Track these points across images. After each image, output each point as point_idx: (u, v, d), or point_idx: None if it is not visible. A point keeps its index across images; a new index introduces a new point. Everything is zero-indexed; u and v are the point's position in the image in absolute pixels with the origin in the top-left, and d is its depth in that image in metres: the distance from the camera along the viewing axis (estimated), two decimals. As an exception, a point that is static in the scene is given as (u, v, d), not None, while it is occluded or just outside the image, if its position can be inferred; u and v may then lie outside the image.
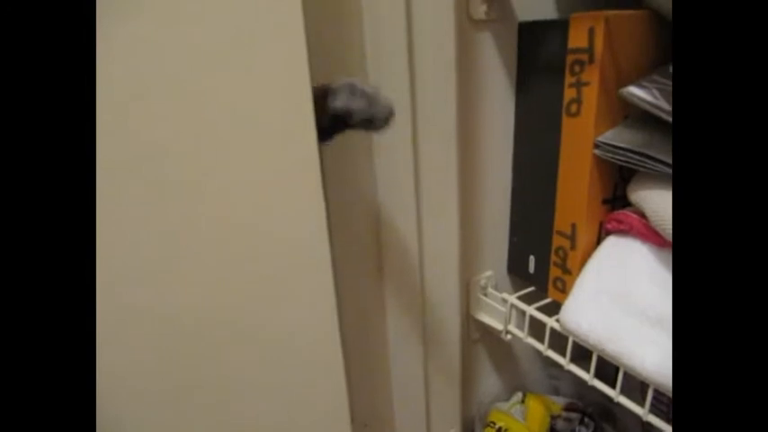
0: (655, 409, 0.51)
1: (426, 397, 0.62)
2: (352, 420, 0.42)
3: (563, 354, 0.56)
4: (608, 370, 0.52)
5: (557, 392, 0.77)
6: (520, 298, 0.62)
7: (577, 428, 0.70)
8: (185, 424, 0.34)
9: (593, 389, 0.72)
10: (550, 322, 0.57)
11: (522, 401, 0.73)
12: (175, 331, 0.32)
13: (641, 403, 0.49)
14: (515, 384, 0.76)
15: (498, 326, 0.64)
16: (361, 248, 0.55)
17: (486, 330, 0.70)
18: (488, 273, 0.67)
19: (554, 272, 0.59)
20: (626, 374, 0.49)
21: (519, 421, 0.69)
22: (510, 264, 0.68)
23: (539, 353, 0.62)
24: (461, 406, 0.65)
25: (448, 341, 0.61)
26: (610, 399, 0.64)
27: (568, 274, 0.57)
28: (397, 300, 0.58)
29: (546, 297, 0.62)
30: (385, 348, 0.59)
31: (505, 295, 0.64)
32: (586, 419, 0.71)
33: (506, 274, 0.69)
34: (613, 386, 0.51)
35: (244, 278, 0.34)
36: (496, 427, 0.66)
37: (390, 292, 0.58)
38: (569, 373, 0.56)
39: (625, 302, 0.49)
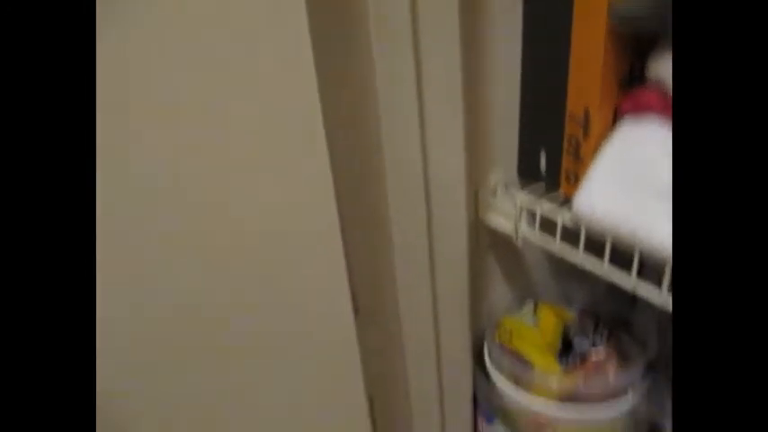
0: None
1: (434, 306, 0.60)
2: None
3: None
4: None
5: (569, 303, 0.76)
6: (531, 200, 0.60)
7: (591, 336, 0.68)
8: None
9: (608, 298, 0.70)
10: (562, 214, 0.55)
11: (535, 312, 0.72)
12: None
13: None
14: (527, 294, 0.75)
15: (509, 228, 0.62)
16: (362, 151, 0.53)
17: (496, 236, 0.68)
18: (498, 176, 0.64)
19: (566, 163, 0.56)
20: (641, 265, 0.46)
21: (531, 326, 0.68)
22: (520, 165, 0.65)
23: (551, 259, 0.60)
24: (471, 316, 0.64)
25: (456, 247, 0.59)
26: (625, 306, 0.62)
27: (581, 165, 0.54)
28: (401, 205, 0.56)
29: (558, 197, 0.59)
30: (390, 259, 0.58)
31: (516, 194, 0.61)
32: (601, 327, 0.69)
33: (516, 177, 0.66)
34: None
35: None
36: (507, 331, 0.65)
37: (394, 198, 0.55)
38: (583, 282, 0.54)
39: (642, 183, 0.47)
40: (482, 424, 0.68)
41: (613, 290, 0.51)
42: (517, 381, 0.62)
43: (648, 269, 0.47)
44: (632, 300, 0.62)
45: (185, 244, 0.40)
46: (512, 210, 0.62)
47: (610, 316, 0.70)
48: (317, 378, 0.52)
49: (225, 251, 0.43)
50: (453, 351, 0.63)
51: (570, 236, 0.54)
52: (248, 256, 0.44)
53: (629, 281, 0.49)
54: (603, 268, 0.51)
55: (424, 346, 0.60)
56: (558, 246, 0.56)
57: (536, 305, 0.72)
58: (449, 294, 0.60)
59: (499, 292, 0.73)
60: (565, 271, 0.76)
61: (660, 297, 0.46)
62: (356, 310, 0.50)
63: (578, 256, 0.53)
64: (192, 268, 0.41)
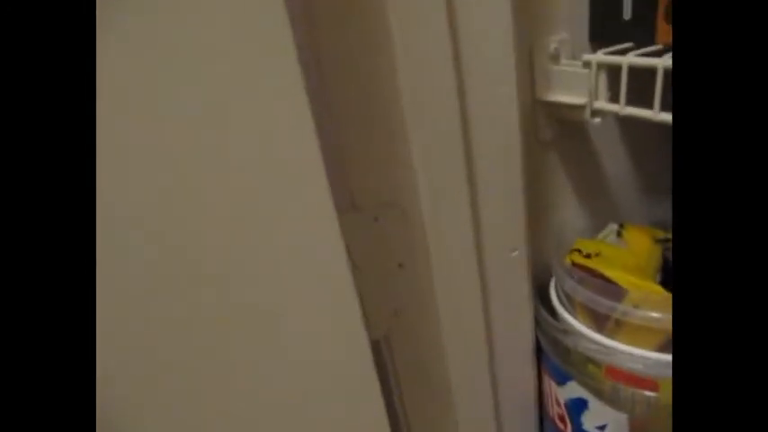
0: None
1: (474, 221, 0.42)
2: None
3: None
4: None
5: (665, 228, 0.55)
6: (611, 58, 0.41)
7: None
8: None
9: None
10: (661, 63, 0.36)
11: (619, 234, 0.52)
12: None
13: None
14: (607, 214, 0.55)
15: (580, 100, 0.43)
16: None
17: (563, 127, 0.49)
18: (561, 35, 0.46)
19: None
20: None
21: (617, 246, 0.48)
22: (593, 21, 0.46)
23: (637, 169, 0.41)
24: (527, 237, 0.45)
25: (504, 141, 0.41)
26: None
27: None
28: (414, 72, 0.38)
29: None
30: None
31: (588, 56, 0.42)
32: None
33: (587, 41, 0.47)
34: None
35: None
36: (584, 253, 0.46)
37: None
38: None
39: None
40: (550, 387, 0.49)
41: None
42: (602, 320, 0.43)
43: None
44: None
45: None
46: (583, 79, 0.43)
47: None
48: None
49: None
50: (503, 282, 0.45)
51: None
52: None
53: None
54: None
55: (461, 276, 0.42)
56: (658, 116, 0.37)
57: (621, 227, 0.53)
58: (494, 205, 0.42)
59: (567, 207, 0.54)
60: (658, 172, 0.56)
61: None
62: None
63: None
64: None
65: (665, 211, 0.56)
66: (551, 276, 0.50)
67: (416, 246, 0.39)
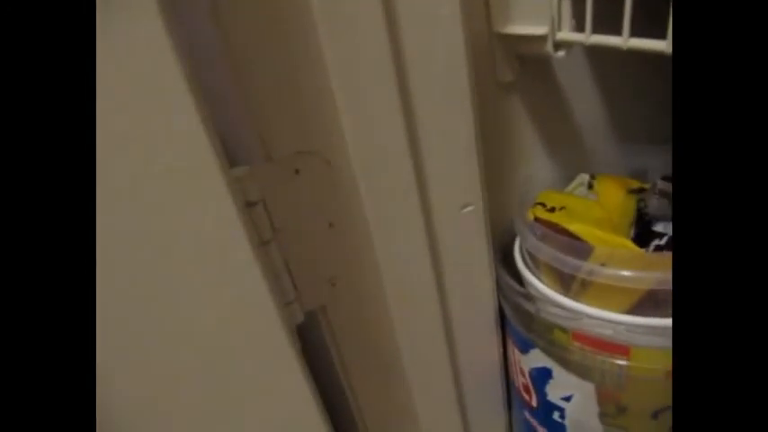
0: None
1: (417, 173, 0.36)
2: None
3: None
4: None
5: (644, 178, 0.50)
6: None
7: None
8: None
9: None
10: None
11: (590, 186, 0.47)
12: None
13: None
14: (575, 164, 0.50)
15: (541, 30, 0.37)
16: None
17: (525, 65, 0.43)
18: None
19: None
20: None
21: (585, 198, 0.43)
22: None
23: (610, 113, 0.36)
24: (484, 192, 0.40)
25: (449, 77, 0.34)
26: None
27: None
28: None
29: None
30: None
31: (550, -23, 0.36)
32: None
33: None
34: None
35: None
36: (548, 206, 0.41)
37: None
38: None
39: None
40: (515, 355, 0.45)
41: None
42: (567, 281, 0.38)
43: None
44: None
45: None
46: (544, 6, 0.37)
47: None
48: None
49: None
50: (457, 242, 0.40)
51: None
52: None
53: None
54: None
55: (407, 231, 0.37)
56: (628, 41, 0.32)
57: (592, 177, 0.47)
58: (441, 155, 0.36)
59: (532, 157, 0.48)
60: (634, 117, 0.51)
61: None
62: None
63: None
64: None
65: (642, 161, 0.51)
66: (516, 237, 0.45)
67: (348, 202, 0.34)
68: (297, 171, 0.32)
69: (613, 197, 0.44)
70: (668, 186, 0.43)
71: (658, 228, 0.42)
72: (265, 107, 0.30)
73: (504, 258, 0.45)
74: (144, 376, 0.28)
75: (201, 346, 0.29)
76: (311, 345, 0.39)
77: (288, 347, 0.31)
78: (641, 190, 0.44)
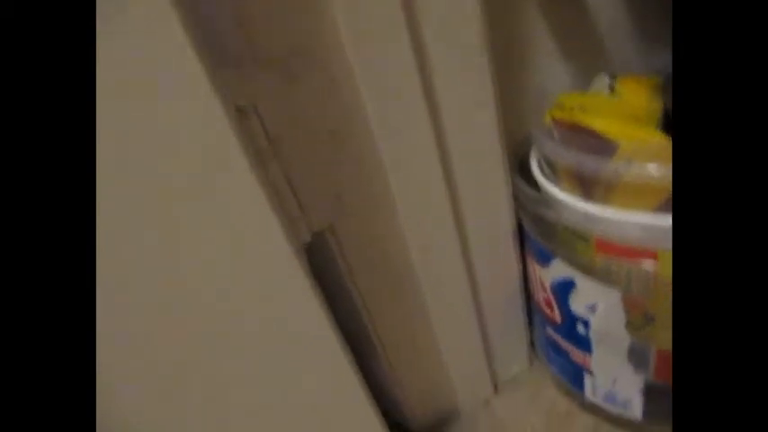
0: None
1: (421, 71, 0.33)
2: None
3: None
4: None
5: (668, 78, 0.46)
6: None
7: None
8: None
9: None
10: None
11: (612, 89, 0.43)
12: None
13: None
14: (597, 71, 0.46)
15: None
16: None
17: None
18: None
19: None
20: None
21: (609, 98, 0.40)
22: None
23: (633, 10, 0.32)
24: (495, 95, 0.37)
25: None
26: None
27: None
28: None
29: None
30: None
31: None
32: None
33: None
34: None
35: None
36: (567, 107, 0.38)
37: None
38: None
39: None
40: (535, 270, 0.43)
41: None
42: (590, 186, 0.35)
43: None
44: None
45: None
46: None
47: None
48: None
49: None
50: (469, 146, 0.37)
51: None
52: None
53: None
54: None
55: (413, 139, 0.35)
56: None
57: (613, 79, 0.44)
58: (447, 52, 0.33)
59: (549, 60, 0.45)
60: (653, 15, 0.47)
61: None
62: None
63: None
64: None
65: (666, 60, 0.47)
66: (531, 147, 0.42)
67: (348, 106, 0.31)
68: (291, 74, 0.29)
69: (638, 97, 0.40)
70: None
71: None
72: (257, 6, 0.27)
73: (521, 171, 0.42)
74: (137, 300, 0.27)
75: (203, 272, 0.27)
76: (321, 270, 0.38)
77: (296, 266, 0.30)
78: (667, 80, 0.40)
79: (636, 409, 0.41)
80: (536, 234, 0.40)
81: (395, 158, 0.33)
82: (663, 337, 0.39)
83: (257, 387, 0.32)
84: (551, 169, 0.39)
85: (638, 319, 0.38)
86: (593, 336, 0.39)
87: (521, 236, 0.44)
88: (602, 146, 0.33)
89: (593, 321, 0.38)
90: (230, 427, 0.32)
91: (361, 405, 0.35)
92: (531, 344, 0.52)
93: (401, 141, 0.33)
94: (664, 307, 0.37)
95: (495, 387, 0.52)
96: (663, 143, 0.33)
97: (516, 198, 0.42)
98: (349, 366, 0.33)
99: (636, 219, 0.33)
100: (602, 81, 0.44)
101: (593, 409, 0.46)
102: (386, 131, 0.32)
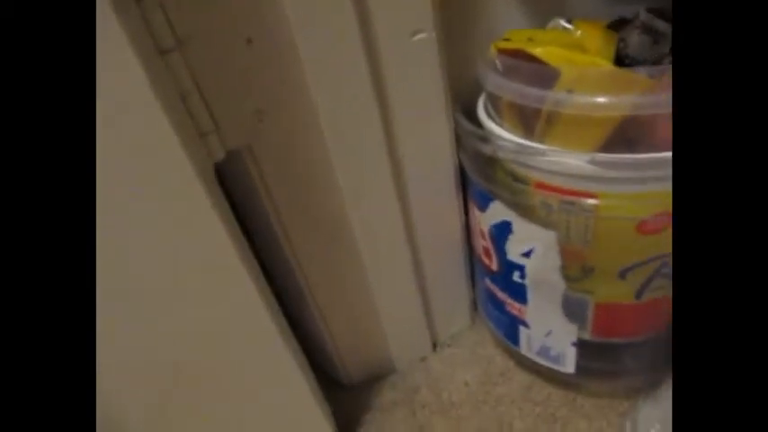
0: None
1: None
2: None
3: None
4: None
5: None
6: None
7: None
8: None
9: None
10: None
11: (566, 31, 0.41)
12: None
13: None
14: (552, 14, 0.44)
15: None
16: None
17: None
18: None
19: None
20: None
21: (562, 33, 0.38)
22: None
23: None
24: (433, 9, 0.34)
25: None
26: None
27: None
28: None
29: None
30: None
31: None
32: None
33: None
34: None
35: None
36: (514, 40, 0.35)
37: None
38: None
39: None
40: (475, 217, 0.41)
41: None
42: (531, 120, 0.33)
43: None
44: None
45: None
46: None
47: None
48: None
49: None
50: (407, 74, 0.34)
51: None
52: None
53: None
54: None
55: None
56: None
57: (568, 22, 0.42)
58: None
59: (495, 6, 0.42)
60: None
61: None
62: None
63: None
64: None
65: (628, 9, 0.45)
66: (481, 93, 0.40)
67: (268, 13, 0.28)
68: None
69: (593, 37, 0.38)
70: (652, 20, 0.37)
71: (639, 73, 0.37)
72: None
73: (469, 118, 0.40)
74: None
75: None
76: (238, 196, 0.35)
77: (198, 185, 0.27)
78: (622, 23, 0.38)
79: (569, 364, 0.40)
80: (476, 175, 0.38)
81: (321, 78, 0.31)
82: (602, 291, 0.37)
83: (155, 322, 0.29)
84: (495, 108, 0.37)
85: (575, 271, 0.37)
86: (528, 283, 0.37)
87: (464, 185, 0.42)
88: (543, 74, 0.31)
89: (529, 267, 0.37)
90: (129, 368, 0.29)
91: (273, 338, 0.32)
92: (474, 304, 0.51)
93: (329, 61, 0.30)
94: (602, 256, 0.35)
95: (434, 345, 0.50)
96: (609, 71, 0.31)
97: (458, 139, 0.39)
98: (259, 297, 0.30)
99: (574, 155, 0.31)
100: (557, 24, 0.42)
101: (529, 367, 0.45)
102: (311, 50, 0.29)
